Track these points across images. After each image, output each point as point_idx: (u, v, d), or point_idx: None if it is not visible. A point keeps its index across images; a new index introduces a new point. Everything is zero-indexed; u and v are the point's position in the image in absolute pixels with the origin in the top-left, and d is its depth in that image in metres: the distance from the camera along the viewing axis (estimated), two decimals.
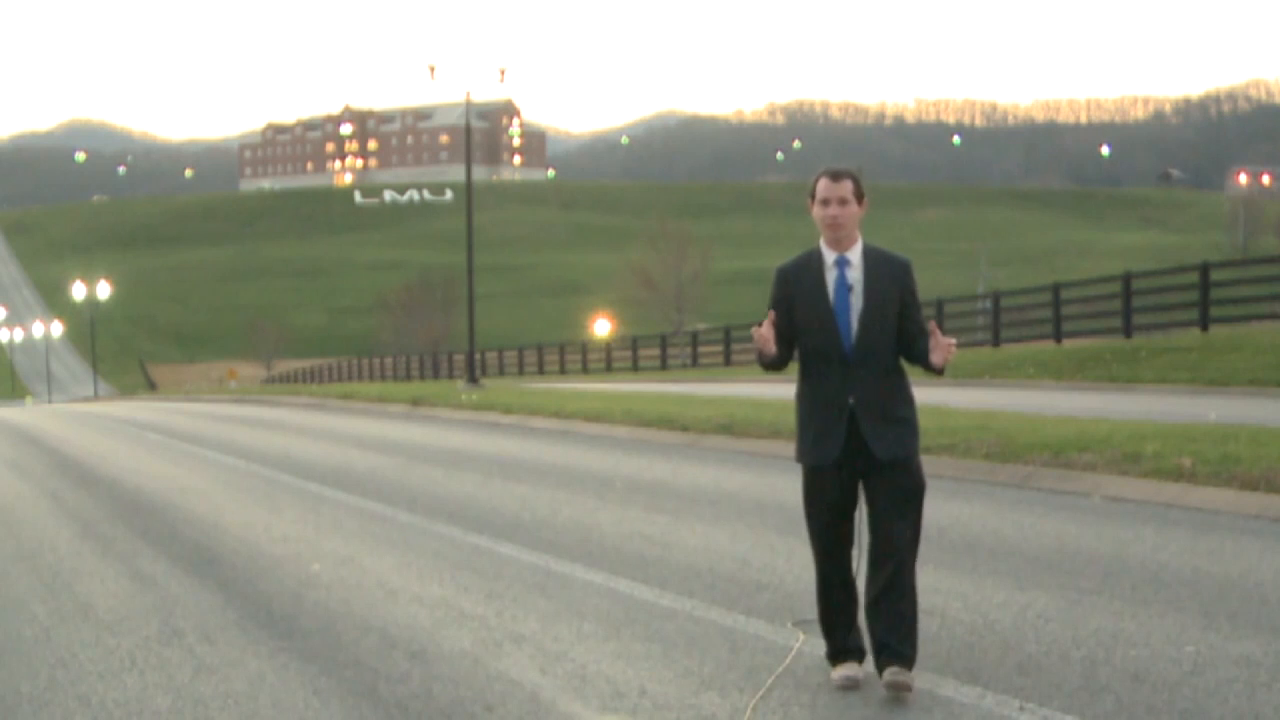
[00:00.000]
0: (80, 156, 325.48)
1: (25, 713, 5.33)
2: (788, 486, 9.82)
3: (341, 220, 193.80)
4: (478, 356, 42.42)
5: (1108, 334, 26.87)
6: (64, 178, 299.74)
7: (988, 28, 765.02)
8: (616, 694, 5.20)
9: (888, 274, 5.03)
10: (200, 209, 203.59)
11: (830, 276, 5.02)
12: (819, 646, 5.39)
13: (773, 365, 5.12)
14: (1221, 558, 7.32)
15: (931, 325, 5.04)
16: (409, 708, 5.14)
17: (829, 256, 5.06)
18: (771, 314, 5.03)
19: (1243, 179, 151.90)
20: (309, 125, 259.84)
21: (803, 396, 5.15)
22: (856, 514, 5.11)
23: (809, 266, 5.07)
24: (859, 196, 5.03)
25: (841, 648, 5.18)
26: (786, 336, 5.08)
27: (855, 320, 4.97)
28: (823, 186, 5.03)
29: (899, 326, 5.04)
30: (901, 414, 5.03)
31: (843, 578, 5.15)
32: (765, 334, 5.00)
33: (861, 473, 5.02)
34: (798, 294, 5.04)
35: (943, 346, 4.97)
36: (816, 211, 5.05)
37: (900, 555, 4.98)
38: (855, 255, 5.04)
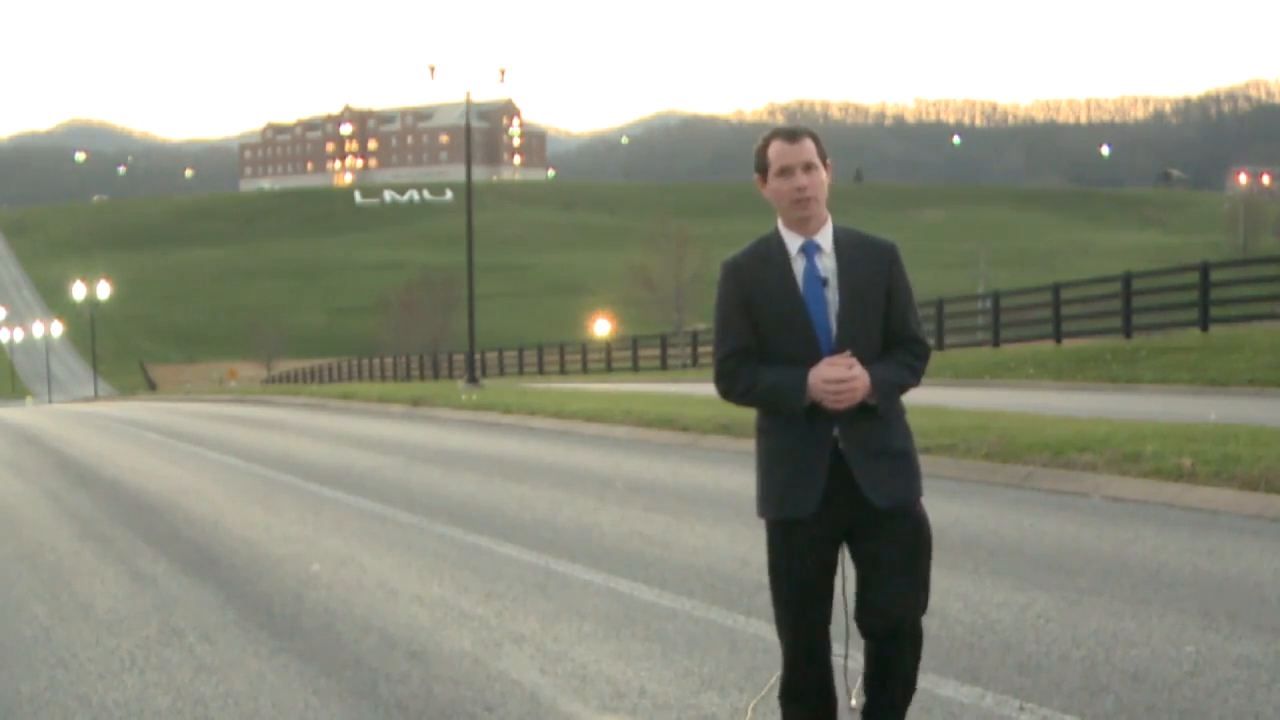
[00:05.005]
0: (80, 156, 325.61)
1: (25, 713, 5.33)
2: None
3: (341, 220, 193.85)
4: (478, 356, 42.39)
5: (1108, 334, 26.85)
6: (64, 178, 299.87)
7: (988, 28, 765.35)
8: (616, 694, 5.20)
9: (868, 260, 3.91)
10: (200, 209, 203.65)
11: (798, 267, 3.89)
12: None
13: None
14: (1221, 558, 7.32)
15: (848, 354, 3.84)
16: (409, 708, 5.14)
17: (792, 243, 3.90)
18: (847, 354, 3.82)
19: (1243, 179, 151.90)
20: (309, 125, 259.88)
21: (766, 430, 3.95)
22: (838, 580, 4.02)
23: (769, 258, 3.90)
24: (823, 159, 3.89)
25: None
26: (755, 351, 3.92)
27: (833, 321, 3.86)
28: (778, 151, 3.88)
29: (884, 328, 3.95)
30: (899, 445, 3.92)
31: (819, 666, 4.02)
32: (849, 373, 3.79)
33: (848, 527, 3.90)
34: (758, 293, 3.88)
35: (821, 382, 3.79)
36: (776, 185, 3.88)
37: (901, 632, 3.95)
38: (826, 239, 3.90)
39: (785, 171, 3.86)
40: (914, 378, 3.94)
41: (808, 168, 3.85)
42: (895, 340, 3.92)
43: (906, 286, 3.97)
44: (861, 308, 3.87)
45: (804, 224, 3.89)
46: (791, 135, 3.89)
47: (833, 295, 3.86)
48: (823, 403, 3.80)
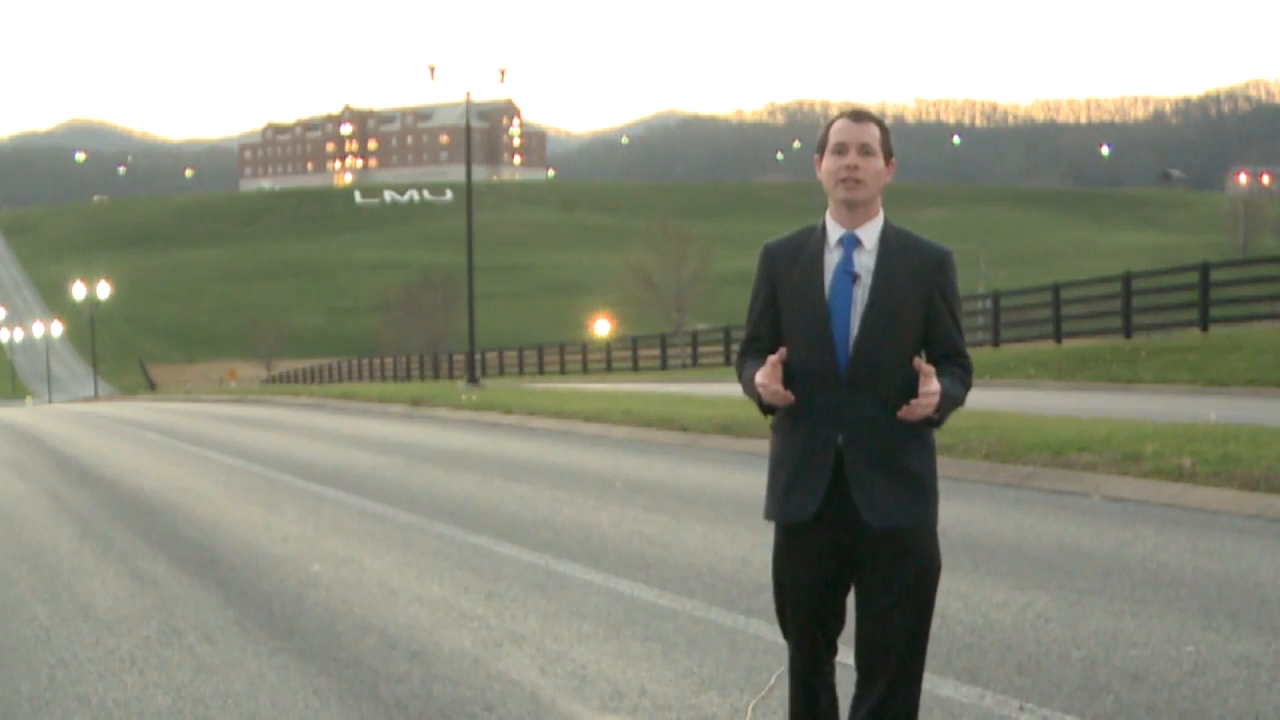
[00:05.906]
0: (80, 156, 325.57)
1: (25, 713, 5.33)
2: None
3: (341, 220, 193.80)
4: (478, 356, 42.39)
5: (1108, 334, 26.87)
6: (64, 178, 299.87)
7: (988, 28, 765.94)
8: (616, 694, 5.20)
9: (913, 265, 3.62)
10: (200, 209, 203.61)
11: (831, 259, 3.63)
12: None
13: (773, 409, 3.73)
14: (1221, 558, 7.32)
15: (917, 363, 3.58)
16: (409, 708, 5.14)
17: (834, 233, 3.65)
18: (782, 352, 3.60)
19: (1243, 179, 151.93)
20: (309, 125, 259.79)
21: (779, 428, 3.72)
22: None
23: (805, 246, 3.67)
24: (887, 153, 3.65)
25: None
26: (766, 340, 3.76)
27: (856, 322, 3.58)
28: (840, 128, 3.64)
29: (924, 342, 3.67)
30: (912, 467, 3.61)
31: (825, 683, 3.81)
32: (771, 382, 3.59)
33: (850, 543, 3.65)
34: (785, 281, 3.67)
35: (921, 396, 3.53)
36: (828, 163, 3.64)
37: (893, 668, 3.65)
38: (870, 234, 3.63)
39: (840, 149, 3.62)
40: (964, 396, 3.69)
41: (864, 150, 3.60)
42: (939, 355, 3.67)
43: (953, 298, 3.68)
44: (892, 312, 3.59)
45: (850, 212, 3.63)
46: (857, 115, 3.68)
47: (862, 293, 3.60)
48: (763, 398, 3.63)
